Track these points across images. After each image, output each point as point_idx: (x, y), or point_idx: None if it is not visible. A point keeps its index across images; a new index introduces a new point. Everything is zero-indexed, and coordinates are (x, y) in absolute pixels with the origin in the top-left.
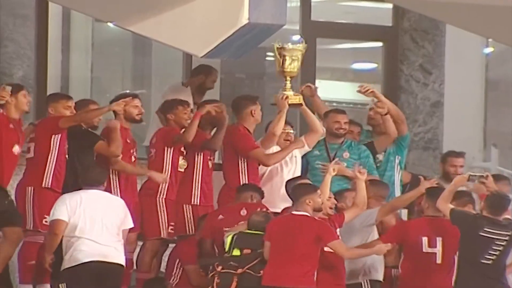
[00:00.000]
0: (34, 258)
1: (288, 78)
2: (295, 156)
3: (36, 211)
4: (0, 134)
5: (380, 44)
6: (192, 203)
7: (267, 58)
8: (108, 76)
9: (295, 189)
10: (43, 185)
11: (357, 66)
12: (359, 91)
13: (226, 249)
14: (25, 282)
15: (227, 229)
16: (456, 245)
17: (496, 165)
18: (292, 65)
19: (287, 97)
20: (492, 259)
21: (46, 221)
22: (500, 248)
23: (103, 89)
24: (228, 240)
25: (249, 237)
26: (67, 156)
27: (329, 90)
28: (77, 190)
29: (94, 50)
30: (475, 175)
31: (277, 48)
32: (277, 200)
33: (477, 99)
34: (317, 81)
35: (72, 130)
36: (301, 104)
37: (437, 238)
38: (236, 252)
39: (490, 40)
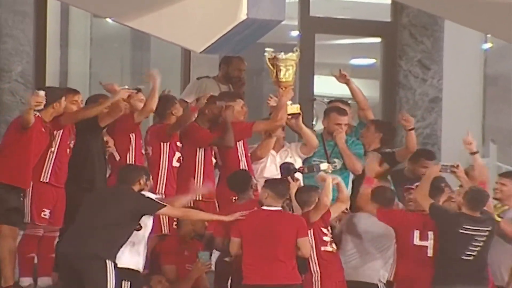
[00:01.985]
0: (33, 251)
1: (283, 88)
2: (290, 157)
3: (34, 205)
4: (33, 137)
5: (378, 39)
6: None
7: (266, 54)
8: (107, 72)
9: (279, 184)
10: (41, 179)
11: (355, 61)
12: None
13: None
14: (25, 275)
15: None
16: None
17: (495, 161)
18: (287, 74)
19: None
20: (473, 255)
21: (44, 215)
22: (480, 244)
23: None
24: None
25: None
26: (68, 150)
27: (328, 85)
28: (78, 185)
29: (93, 46)
30: (447, 165)
31: (269, 58)
32: None
33: (475, 95)
34: (315, 77)
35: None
36: (299, 114)
37: (429, 232)
38: None
39: (488, 35)
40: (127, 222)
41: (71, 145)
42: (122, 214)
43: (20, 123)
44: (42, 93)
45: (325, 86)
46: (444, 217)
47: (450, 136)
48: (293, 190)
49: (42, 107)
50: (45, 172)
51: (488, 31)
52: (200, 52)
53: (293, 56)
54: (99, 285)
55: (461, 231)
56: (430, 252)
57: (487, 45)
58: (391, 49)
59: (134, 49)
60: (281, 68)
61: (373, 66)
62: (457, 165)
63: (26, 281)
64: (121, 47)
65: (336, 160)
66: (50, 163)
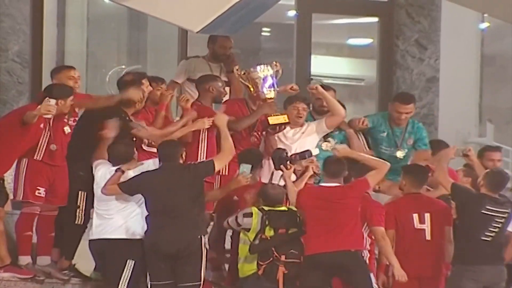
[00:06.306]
0: (30, 229)
1: (265, 101)
2: (302, 133)
3: (27, 182)
4: (30, 132)
5: (375, 19)
6: None
7: (263, 34)
8: (104, 51)
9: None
10: (35, 157)
11: (352, 41)
12: None
13: (253, 228)
14: (23, 254)
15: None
16: (444, 220)
17: (492, 140)
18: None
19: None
20: (491, 236)
21: (39, 193)
22: (499, 225)
23: (99, 64)
24: (254, 219)
25: (280, 215)
26: (67, 129)
27: (325, 65)
28: (84, 161)
29: (90, 25)
30: (459, 149)
31: (240, 75)
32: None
33: (472, 74)
34: (312, 57)
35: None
36: (288, 123)
37: (426, 214)
38: (270, 232)
39: (485, 15)
40: (199, 193)
41: (70, 123)
42: (194, 190)
43: (21, 118)
44: (53, 101)
45: (322, 66)
46: (467, 197)
47: (447, 116)
48: (287, 179)
49: (51, 116)
50: (39, 151)
51: (485, 11)
52: (197, 32)
53: (263, 69)
54: (196, 268)
55: (483, 211)
56: (428, 236)
57: (484, 25)
58: (388, 29)
59: (131, 29)
60: (257, 81)
61: (370, 46)
62: (469, 149)
63: (25, 259)
64: (118, 26)
65: (330, 139)
66: (44, 142)
